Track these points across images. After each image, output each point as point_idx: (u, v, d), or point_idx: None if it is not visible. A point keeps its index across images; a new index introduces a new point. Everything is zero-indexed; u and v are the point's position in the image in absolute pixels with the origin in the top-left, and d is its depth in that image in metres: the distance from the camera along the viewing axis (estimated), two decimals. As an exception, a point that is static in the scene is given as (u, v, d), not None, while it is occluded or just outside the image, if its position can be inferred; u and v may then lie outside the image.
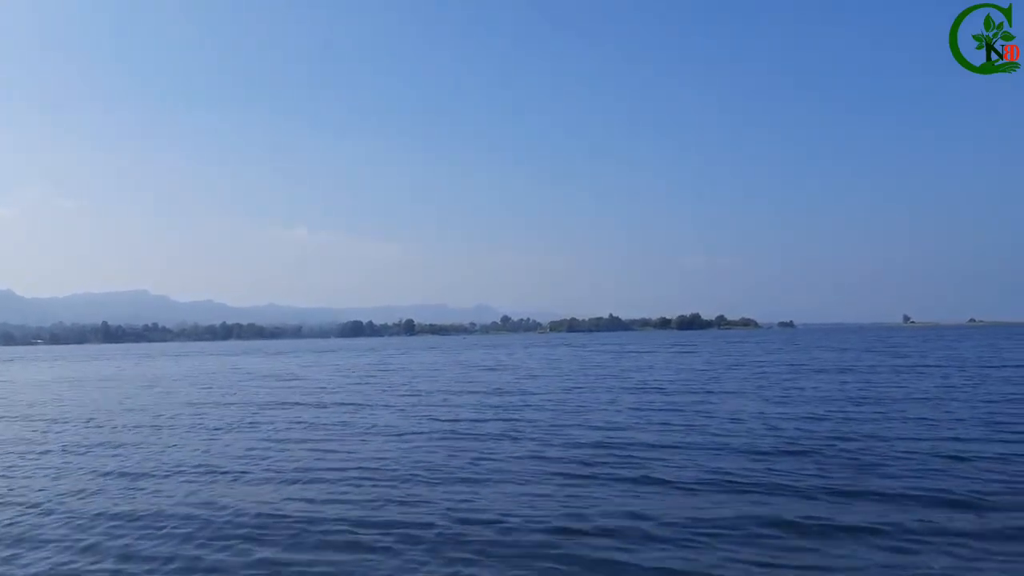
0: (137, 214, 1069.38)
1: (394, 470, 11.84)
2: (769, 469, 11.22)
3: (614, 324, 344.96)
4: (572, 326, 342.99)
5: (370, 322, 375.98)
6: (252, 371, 45.42)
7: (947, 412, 16.90)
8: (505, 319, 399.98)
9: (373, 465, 12.23)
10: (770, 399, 20.57)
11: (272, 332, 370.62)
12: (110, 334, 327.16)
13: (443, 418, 18.70)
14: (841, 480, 10.18)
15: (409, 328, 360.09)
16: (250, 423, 18.70)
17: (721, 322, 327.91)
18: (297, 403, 23.77)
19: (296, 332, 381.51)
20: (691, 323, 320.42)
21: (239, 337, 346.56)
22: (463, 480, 11.01)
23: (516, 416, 18.62)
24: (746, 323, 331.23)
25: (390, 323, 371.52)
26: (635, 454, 12.76)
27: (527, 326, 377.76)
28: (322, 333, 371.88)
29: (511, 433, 15.68)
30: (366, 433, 16.34)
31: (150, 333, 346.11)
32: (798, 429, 15.20)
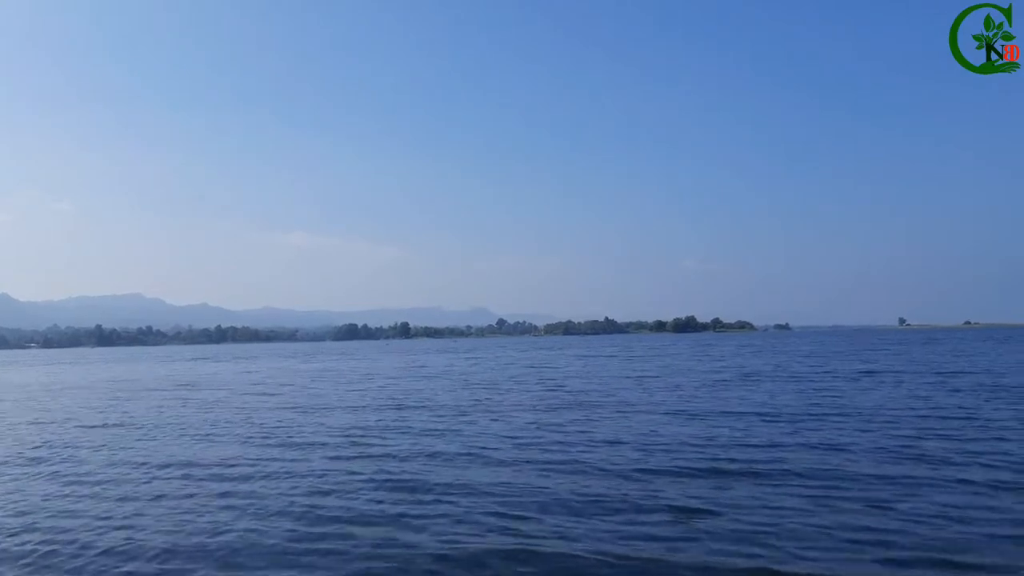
0: (133, 218, 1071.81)
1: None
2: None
3: (610, 327, 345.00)
4: (568, 329, 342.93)
5: (365, 325, 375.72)
6: (139, 379, 43.41)
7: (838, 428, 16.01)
8: (501, 322, 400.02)
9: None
10: (654, 410, 19.30)
11: (267, 336, 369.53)
12: (104, 338, 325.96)
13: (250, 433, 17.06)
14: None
15: (404, 331, 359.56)
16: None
17: (717, 325, 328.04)
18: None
19: (292, 335, 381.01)
20: (686, 326, 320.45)
21: (234, 340, 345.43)
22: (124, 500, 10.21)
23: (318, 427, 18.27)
24: (742, 326, 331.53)
25: (386, 326, 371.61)
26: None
27: (523, 329, 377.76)
28: (317, 336, 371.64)
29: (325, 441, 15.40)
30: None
31: (144, 337, 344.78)
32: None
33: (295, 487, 10.74)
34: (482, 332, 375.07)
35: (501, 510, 9.11)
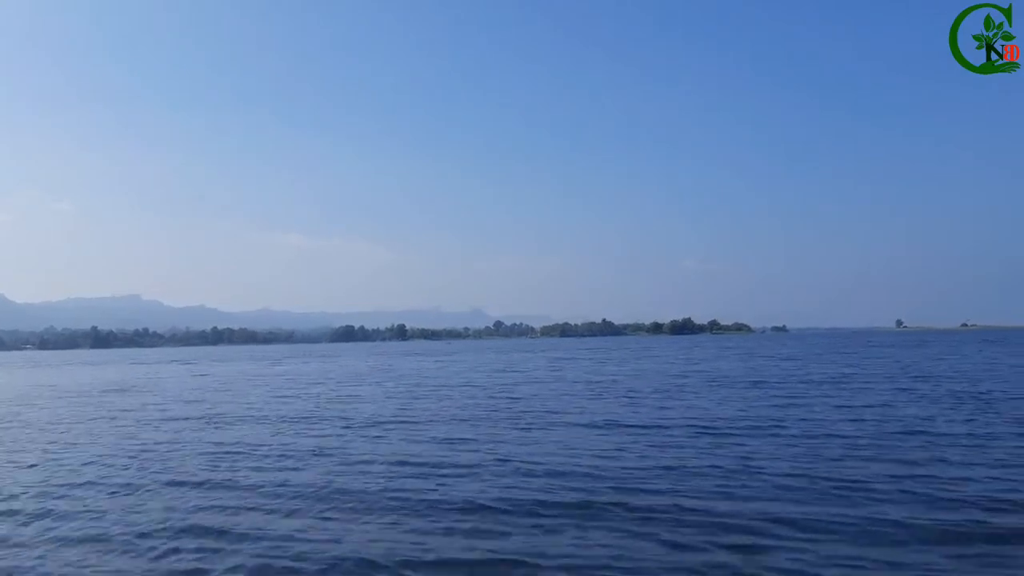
0: (132, 219, 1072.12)
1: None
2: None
3: (607, 329, 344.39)
4: (565, 331, 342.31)
5: (362, 327, 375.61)
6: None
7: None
8: (498, 324, 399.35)
9: None
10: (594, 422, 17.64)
11: (264, 337, 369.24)
12: (100, 339, 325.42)
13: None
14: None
15: (401, 333, 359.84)
16: None
17: (714, 326, 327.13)
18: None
19: (288, 337, 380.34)
20: (683, 327, 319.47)
21: (230, 342, 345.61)
22: None
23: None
24: (739, 328, 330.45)
25: (383, 328, 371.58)
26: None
27: (520, 331, 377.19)
28: (315, 338, 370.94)
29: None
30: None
31: (140, 338, 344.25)
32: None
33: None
34: (479, 334, 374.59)
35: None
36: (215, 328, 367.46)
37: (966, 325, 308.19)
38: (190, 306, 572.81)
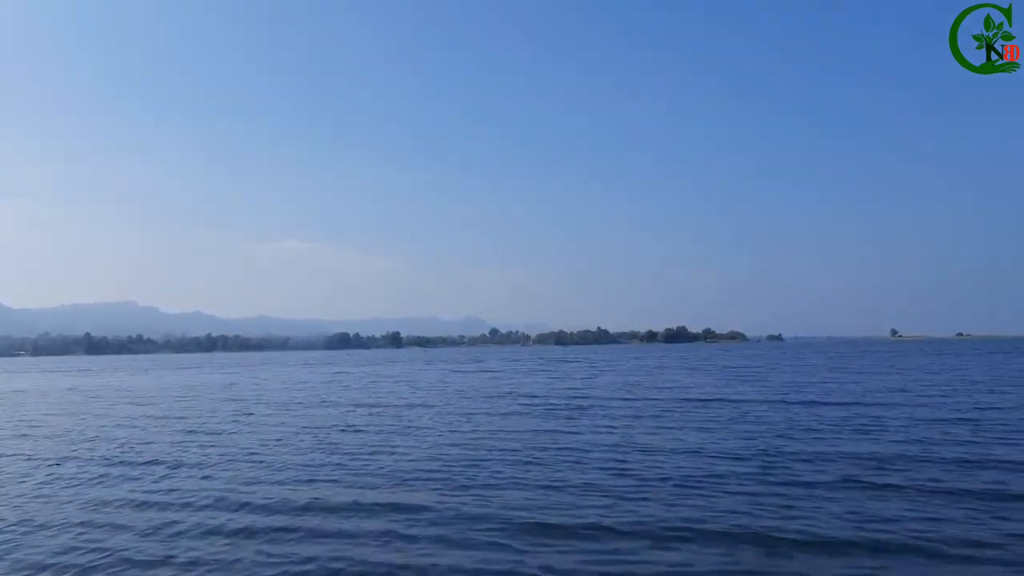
0: (126, 226, 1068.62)
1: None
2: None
3: (601, 337, 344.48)
4: (559, 339, 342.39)
5: (356, 334, 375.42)
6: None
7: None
8: (493, 332, 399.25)
9: None
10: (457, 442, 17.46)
11: (259, 344, 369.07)
12: (93, 346, 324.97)
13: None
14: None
15: (395, 340, 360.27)
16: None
17: (708, 335, 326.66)
18: None
19: (283, 344, 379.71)
20: (677, 336, 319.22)
21: (224, 349, 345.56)
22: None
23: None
24: (733, 336, 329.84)
25: (378, 335, 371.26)
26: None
27: (515, 339, 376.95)
28: (309, 345, 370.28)
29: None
30: None
31: (134, 345, 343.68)
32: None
33: None
34: (474, 341, 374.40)
35: None
36: (209, 335, 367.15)
37: (961, 335, 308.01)
38: (186, 312, 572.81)
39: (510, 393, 33.60)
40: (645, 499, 10.92)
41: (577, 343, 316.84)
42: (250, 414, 25.81)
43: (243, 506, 10.95)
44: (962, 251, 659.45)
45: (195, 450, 16.78)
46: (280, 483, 12.68)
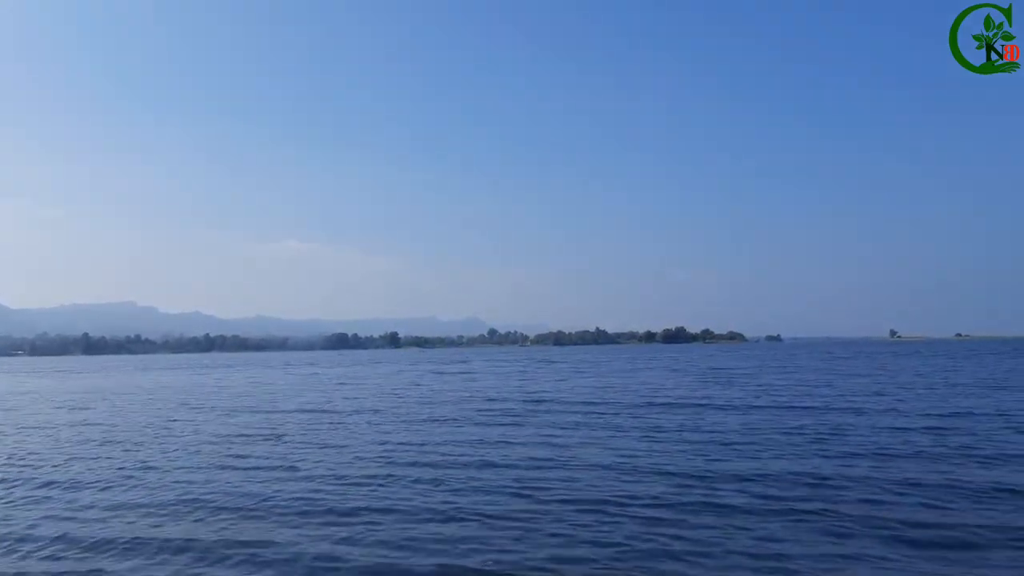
0: (125, 226, 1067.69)
1: None
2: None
3: (600, 337, 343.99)
4: (558, 340, 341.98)
5: (355, 335, 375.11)
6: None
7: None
8: (492, 332, 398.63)
9: None
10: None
11: (257, 344, 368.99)
12: (91, 346, 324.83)
13: None
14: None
15: (394, 341, 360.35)
16: None
17: (707, 336, 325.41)
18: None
19: (282, 344, 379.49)
20: (676, 336, 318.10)
21: (222, 349, 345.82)
22: None
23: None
24: (732, 337, 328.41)
25: (377, 335, 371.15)
26: None
27: (513, 339, 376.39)
28: (308, 346, 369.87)
29: None
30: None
31: (133, 345, 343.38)
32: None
33: None
34: (472, 342, 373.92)
35: None
36: (207, 335, 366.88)
37: (960, 335, 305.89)
38: (185, 312, 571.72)
39: (471, 397, 32.22)
40: (519, 529, 9.44)
41: (576, 344, 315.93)
42: (173, 420, 24.42)
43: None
44: (962, 251, 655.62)
45: (72, 464, 15.31)
46: (117, 509, 11.13)
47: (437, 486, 12.26)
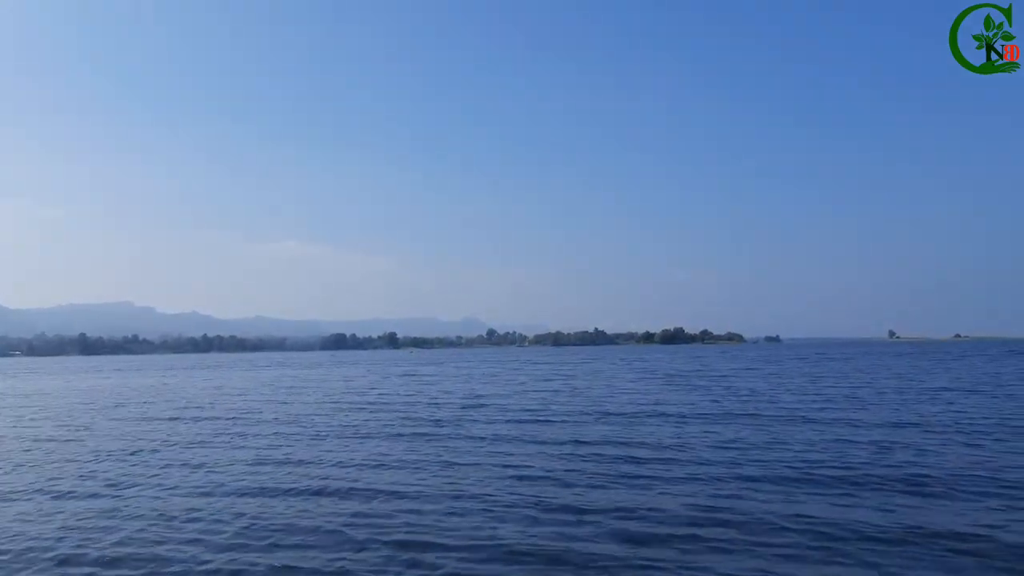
0: (125, 226, 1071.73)
1: None
2: None
3: (599, 338, 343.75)
4: (557, 340, 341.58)
5: (353, 335, 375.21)
6: None
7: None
8: (491, 332, 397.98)
9: None
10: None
11: (255, 345, 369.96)
12: (89, 346, 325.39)
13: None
14: None
15: (392, 341, 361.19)
16: None
17: (706, 336, 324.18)
18: None
19: (280, 344, 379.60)
20: (674, 337, 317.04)
21: (220, 350, 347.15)
22: None
23: None
24: (731, 337, 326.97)
25: (375, 336, 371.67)
26: None
27: (512, 340, 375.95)
28: (306, 346, 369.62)
29: None
30: None
31: (130, 345, 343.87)
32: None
33: None
34: (471, 342, 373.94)
35: None
36: (205, 335, 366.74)
37: (959, 336, 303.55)
38: (183, 312, 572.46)
39: (417, 403, 30.37)
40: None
41: (574, 344, 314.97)
42: (86, 428, 22.74)
43: None
44: (962, 251, 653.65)
45: None
46: None
47: (227, 524, 10.22)
